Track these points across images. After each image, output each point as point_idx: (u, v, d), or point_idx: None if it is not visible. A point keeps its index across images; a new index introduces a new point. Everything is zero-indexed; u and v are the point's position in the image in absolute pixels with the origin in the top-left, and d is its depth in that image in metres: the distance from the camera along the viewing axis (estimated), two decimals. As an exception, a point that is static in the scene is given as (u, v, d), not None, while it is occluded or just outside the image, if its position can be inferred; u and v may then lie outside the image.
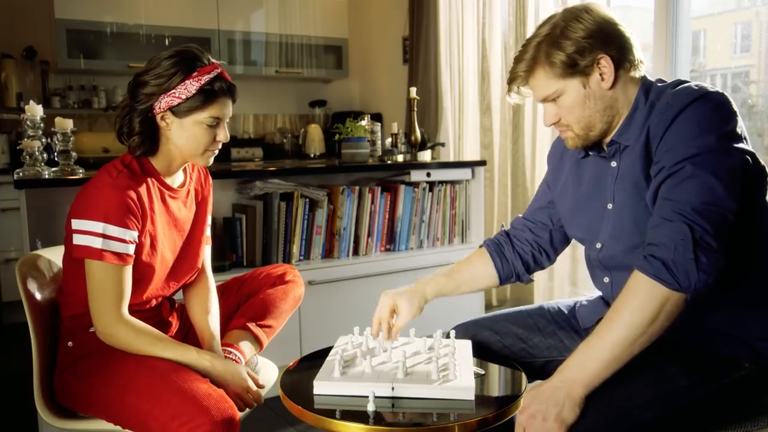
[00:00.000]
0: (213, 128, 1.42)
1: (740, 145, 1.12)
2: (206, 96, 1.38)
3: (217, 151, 1.48)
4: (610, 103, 1.22)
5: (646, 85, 1.24)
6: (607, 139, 1.28)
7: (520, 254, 1.49)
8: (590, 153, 1.34)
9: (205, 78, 1.38)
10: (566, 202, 1.42)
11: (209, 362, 1.38)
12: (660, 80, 1.26)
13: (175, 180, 1.53)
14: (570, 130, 1.26)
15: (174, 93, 1.37)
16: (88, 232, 1.33)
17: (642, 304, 1.06)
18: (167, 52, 1.40)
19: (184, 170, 1.57)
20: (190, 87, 1.37)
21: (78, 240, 1.34)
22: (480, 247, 1.55)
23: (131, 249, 1.37)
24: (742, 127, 1.15)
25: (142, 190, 1.40)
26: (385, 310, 1.40)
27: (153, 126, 1.41)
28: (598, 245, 1.32)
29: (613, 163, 1.28)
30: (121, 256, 1.34)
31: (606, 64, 1.19)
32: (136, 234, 1.37)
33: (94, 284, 1.35)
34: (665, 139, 1.14)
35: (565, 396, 1.07)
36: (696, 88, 1.16)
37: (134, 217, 1.36)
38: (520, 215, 1.56)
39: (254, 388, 1.43)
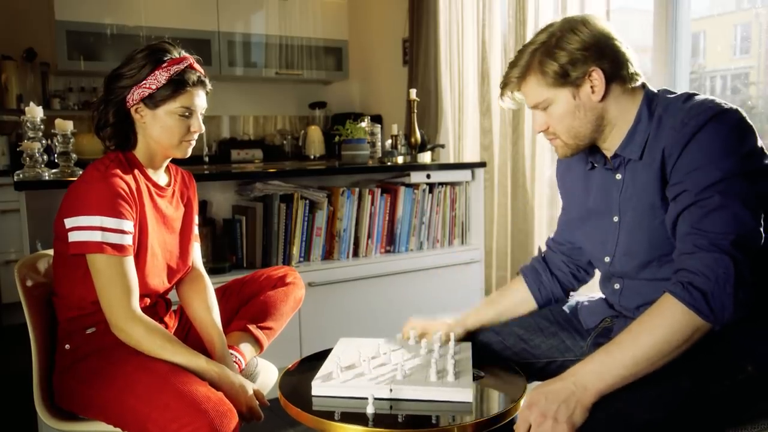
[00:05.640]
0: (186, 119, 1.45)
1: (765, 162, 1.13)
2: (176, 86, 1.41)
3: (193, 142, 1.50)
4: (600, 114, 1.23)
5: (648, 96, 1.24)
6: (609, 152, 1.28)
7: (558, 279, 1.50)
8: (596, 165, 1.34)
9: (174, 68, 1.41)
10: (573, 211, 1.43)
11: (217, 374, 1.36)
12: (667, 91, 1.25)
13: (161, 179, 1.55)
14: (558, 139, 1.27)
15: (144, 84, 1.41)
16: (86, 227, 1.33)
17: (674, 329, 1.06)
18: (141, 47, 1.44)
19: (169, 172, 1.59)
20: (160, 77, 1.40)
21: (76, 237, 1.34)
22: (517, 273, 1.56)
23: (128, 239, 1.37)
24: (760, 141, 1.14)
25: (131, 181, 1.42)
26: (421, 321, 1.50)
27: (127, 119, 1.45)
28: (607, 259, 1.33)
29: (618, 176, 1.29)
30: (119, 247, 1.35)
31: (597, 77, 1.19)
32: (131, 224, 1.38)
33: (100, 279, 1.35)
34: (683, 158, 1.14)
35: (576, 402, 1.06)
36: (710, 105, 1.15)
37: (128, 205, 1.37)
38: (551, 236, 1.56)
39: (257, 407, 1.40)
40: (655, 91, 1.26)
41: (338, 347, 1.42)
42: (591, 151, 1.34)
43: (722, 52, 2.81)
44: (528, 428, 1.07)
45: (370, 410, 1.11)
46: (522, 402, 1.16)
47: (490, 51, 3.61)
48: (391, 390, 1.16)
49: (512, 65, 1.26)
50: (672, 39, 2.63)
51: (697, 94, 1.20)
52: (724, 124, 1.12)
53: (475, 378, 1.25)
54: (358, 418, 1.11)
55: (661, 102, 1.23)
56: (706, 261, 1.07)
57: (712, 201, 1.09)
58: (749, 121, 1.15)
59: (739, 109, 1.16)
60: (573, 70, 1.19)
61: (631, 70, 1.22)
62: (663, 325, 1.07)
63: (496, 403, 1.24)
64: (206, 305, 1.57)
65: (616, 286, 1.34)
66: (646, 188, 1.22)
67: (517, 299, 1.52)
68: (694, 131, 1.13)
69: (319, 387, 1.20)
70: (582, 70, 1.19)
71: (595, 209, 1.35)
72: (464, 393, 1.16)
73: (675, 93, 1.24)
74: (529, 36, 3.27)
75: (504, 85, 1.29)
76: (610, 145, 1.28)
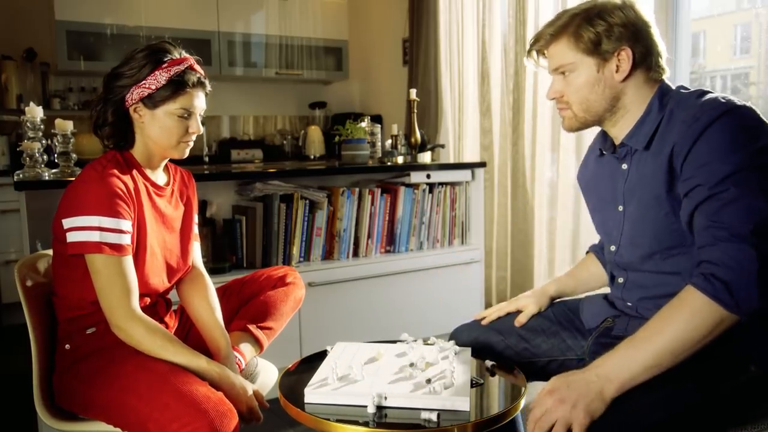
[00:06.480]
0: (185, 120, 1.44)
1: None
2: (176, 87, 1.41)
3: (191, 143, 1.50)
4: (617, 95, 1.25)
5: (662, 89, 1.25)
6: (617, 139, 1.30)
7: None
8: (605, 152, 1.36)
9: (175, 69, 1.41)
10: (590, 200, 1.45)
11: (217, 374, 1.36)
12: (683, 87, 1.26)
13: (159, 179, 1.54)
14: (569, 109, 1.29)
15: (144, 84, 1.40)
16: (84, 227, 1.33)
17: (698, 321, 1.06)
18: (141, 46, 1.44)
19: (167, 171, 1.59)
20: (160, 78, 1.40)
21: (74, 237, 1.34)
22: (587, 252, 1.58)
23: (127, 239, 1.37)
24: None
25: (129, 181, 1.42)
26: (506, 304, 1.55)
27: (126, 118, 1.45)
28: (613, 248, 1.34)
29: (624, 166, 1.30)
30: (117, 247, 1.34)
31: (626, 56, 1.22)
32: (129, 224, 1.38)
33: (99, 279, 1.34)
34: (694, 153, 1.14)
35: (597, 393, 1.06)
36: (723, 100, 1.15)
37: (125, 205, 1.37)
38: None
39: (257, 408, 1.39)
40: (671, 86, 1.27)
41: (335, 351, 1.40)
42: (603, 139, 1.35)
43: (722, 52, 2.81)
44: (544, 412, 1.06)
45: (371, 410, 1.11)
46: (526, 400, 1.15)
47: (490, 51, 3.61)
48: (385, 397, 1.14)
49: (549, 24, 1.28)
50: (672, 39, 2.63)
51: (711, 92, 1.21)
52: (736, 120, 1.12)
53: (474, 384, 1.23)
54: (357, 418, 1.11)
55: (674, 96, 1.24)
56: (729, 252, 1.07)
57: (728, 193, 1.09)
58: (761, 117, 1.15)
59: (753, 106, 1.15)
60: (606, 42, 1.21)
61: (659, 62, 1.25)
62: (686, 318, 1.06)
63: (496, 403, 1.23)
64: (208, 305, 1.57)
65: (620, 280, 1.35)
66: (652, 179, 1.22)
67: (593, 273, 1.54)
68: (705, 126, 1.13)
69: (311, 394, 1.18)
70: (614, 45, 1.21)
71: (603, 198, 1.37)
72: (461, 401, 1.14)
73: (690, 89, 1.25)
74: (530, 36, 3.28)
75: (534, 41, 1.31)
76: (618, 132, 1.29)
